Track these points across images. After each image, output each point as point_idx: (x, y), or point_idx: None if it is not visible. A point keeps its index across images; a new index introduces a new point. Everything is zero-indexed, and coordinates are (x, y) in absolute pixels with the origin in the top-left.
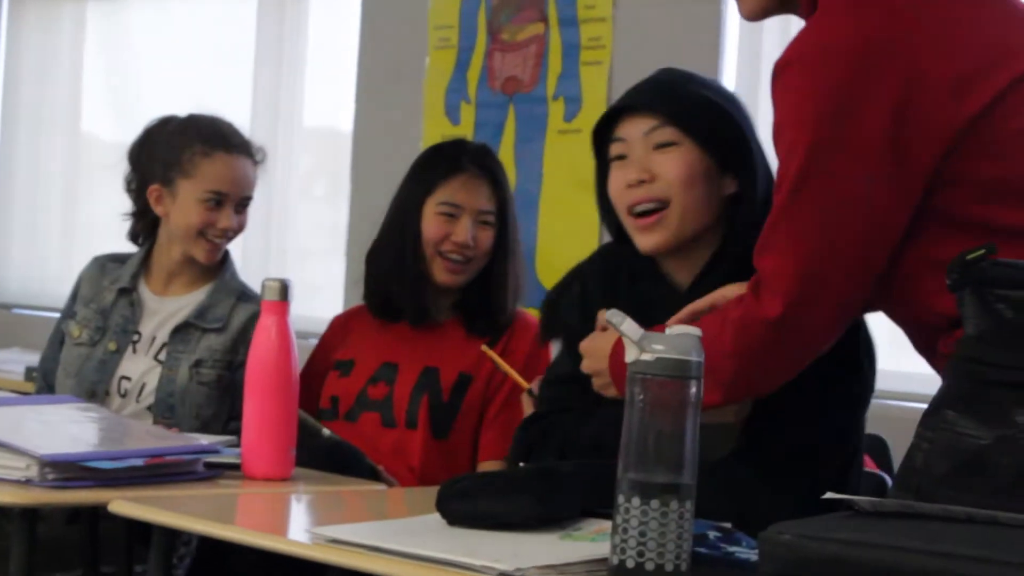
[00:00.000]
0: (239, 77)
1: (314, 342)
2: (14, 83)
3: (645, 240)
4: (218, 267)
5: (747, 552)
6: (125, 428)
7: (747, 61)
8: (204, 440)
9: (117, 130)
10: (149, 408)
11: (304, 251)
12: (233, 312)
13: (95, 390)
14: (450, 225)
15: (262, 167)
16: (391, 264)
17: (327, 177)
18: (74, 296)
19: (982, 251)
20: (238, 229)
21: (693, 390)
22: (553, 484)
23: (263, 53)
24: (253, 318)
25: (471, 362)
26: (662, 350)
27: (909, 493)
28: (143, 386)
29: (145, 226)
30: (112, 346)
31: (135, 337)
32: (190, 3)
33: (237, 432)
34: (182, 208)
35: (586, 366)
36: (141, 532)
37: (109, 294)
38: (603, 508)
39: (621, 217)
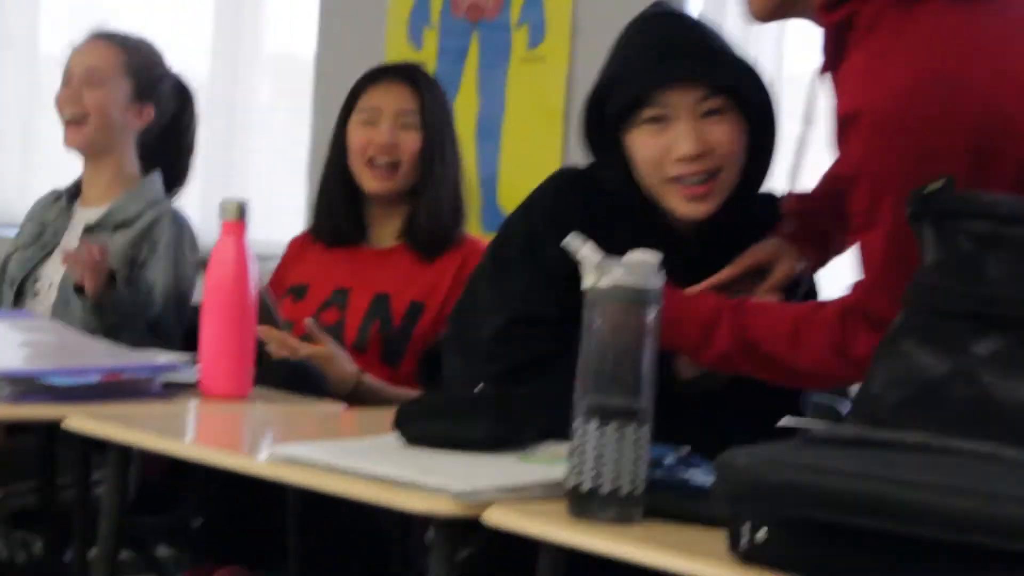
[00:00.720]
0: (200, 4)
1: (273, 264)
2: None
3: (693, 208)
4: (136, 180)
5: (704, 476)
6: (81, 344)
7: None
8: (162, 358)
9: None
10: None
11: (267, 176)
12: (142, 214)
13: (22, 289)
14: (371, 131)
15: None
16: (326, 184)
17: (289, 103)
18: (25, 222)
19: (941, 183)
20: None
21: (651, 316)
22: (512, 406)
23: None
24: (159, 219)
25: (422, 290)
26: (620, 276)
27: (864, 420)
28: (50, 284)
29: None
30: (43, 248)
31: (57, 245)
32: None
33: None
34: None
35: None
36: (96, 447)
37: (50, 211)
38: (561, 431)
39: (651, 180)
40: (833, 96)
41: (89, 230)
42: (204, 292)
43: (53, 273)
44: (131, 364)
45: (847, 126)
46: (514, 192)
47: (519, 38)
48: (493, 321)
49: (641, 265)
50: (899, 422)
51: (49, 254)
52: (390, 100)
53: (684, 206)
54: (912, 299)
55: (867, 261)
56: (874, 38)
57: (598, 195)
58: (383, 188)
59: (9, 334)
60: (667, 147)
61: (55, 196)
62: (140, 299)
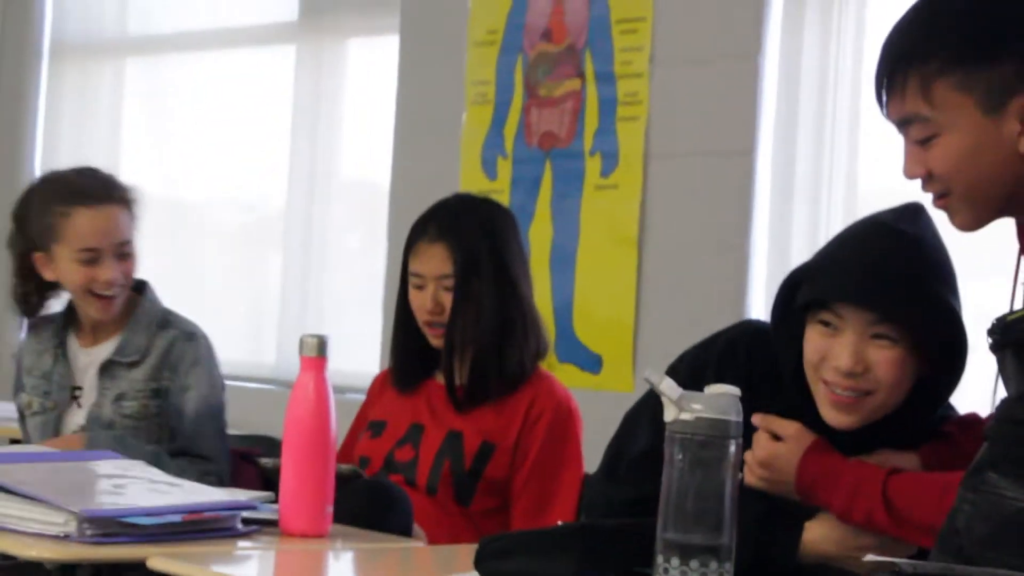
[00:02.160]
0: (277, 129)
1: (351, 396)
2: (53, 140)
3: (836, 416)
4: (134, 302)
5: None
6: (163, 482)
7: (785, 117)
8: (242, 496)
9: (157, 184)
10: None
11: (342, 304)
12: (153, 342)
13: None
14: (423, 296)
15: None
16: (395, 336)
17: (364, 230)
18: (19, 369)
19: (1022, 312)
20: (126, 276)
21: (731, 449)
22: (593, 543)
23: (301, 104)
24: (173, 342)
25: (493, 429)
26: (701, 409)
27: (950, 556)
28: (80, 429)
29: (37, 287)
30: (54, 406)
31: (77, 392)
32: (228, 56)
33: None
34: (64, 271)
35: (760, 477)
36: None
37: (48, 357)
38: (643, 568)
39: (809, 375)
40: None
41: (104, 369)
42: (284, 428)
43: (76, 421)
44: (212, 503)
45: None
46: (589, 321)
47: (592, 166)
48: (640, 442)
49: (722, 398)
50: (986, 555)
51: (67, 407)
52: (429, 267)
53: (829, 411)
54: (995, 432)
55: None
56: None
57: (769, 359)
58: (440, 345)
59: (90, 474)
60: (828, 353)
61: (35, 337)
62: (182, 383)
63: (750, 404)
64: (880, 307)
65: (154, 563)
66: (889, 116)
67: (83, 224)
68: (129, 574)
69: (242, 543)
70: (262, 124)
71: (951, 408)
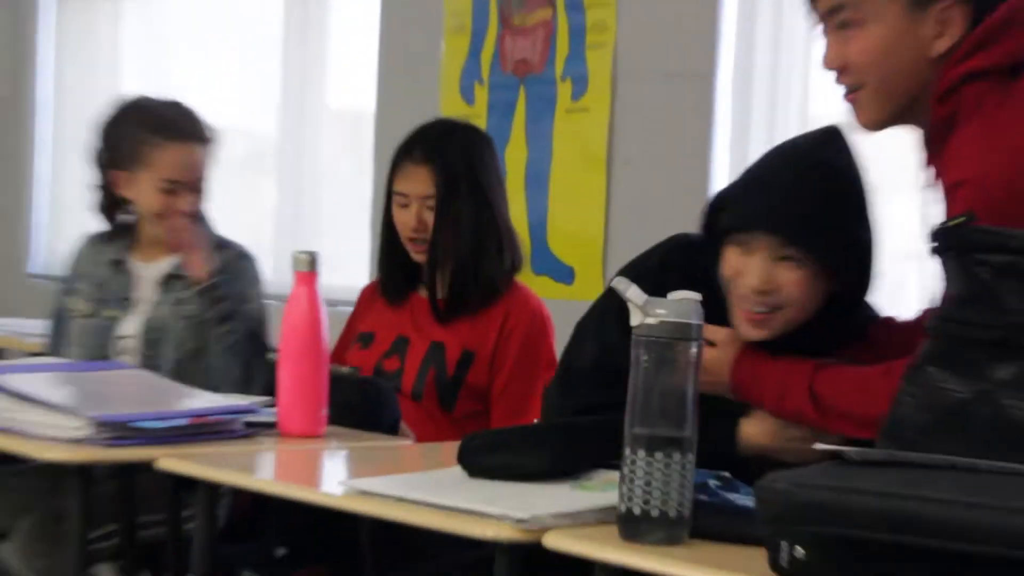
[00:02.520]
0: (269, 64)
1: (342, 309)
2: (60, 75)
3: (748, 331)
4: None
5: (744, 499)
6: (170, 389)
7: (744, 43)
8: (243, 401)
9: None
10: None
11: (333, 225)
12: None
13: (99, 356)
14: (406, 214)
15: (285, 145)
16: (382, 252)
17: (352, 155)
18: (72, 274)
19: (963, 218)
20: (195, 207)
21: (693, 350)
22: (567, 439)
23: (290, 40)
24: (231, 260)
25: (472, 339)
26: (664, 314)
27: (893, 443)
28: (133, 339)
29: (113, 201)
30: (111, 314)
31: (127, 302)
32: None
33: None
34: (143, 194)
35: (704, 381)
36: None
37: (103, 268)
38: (612, 461)
39: (727, 290)
40: (939, 175)
41: (168, 280)
42: (280, 339)
43: (132, 328)
44: (216, 407)
45: (957, 190)
46: (562, 236)
47: (563, 91)
48: (587, 356)
49: (683, 303)
50: (925, 444)
51: (123, 313)
52: (414, 187)
53: (742, 325)
54: (936, 328)
55: None
56: (980, 114)
57: (701, 268)
58: (425, 260)
59: (101, 382)
60: (742, 272)
61: (92, 245)
62: (244, 290)
63: None
64: (785, 233)
65: (163, 463)
66: (816, 6)
67: (170, 157)
68: (141, 475)
69: (244, 444)
70: (254, 57)
71: (872, 310)
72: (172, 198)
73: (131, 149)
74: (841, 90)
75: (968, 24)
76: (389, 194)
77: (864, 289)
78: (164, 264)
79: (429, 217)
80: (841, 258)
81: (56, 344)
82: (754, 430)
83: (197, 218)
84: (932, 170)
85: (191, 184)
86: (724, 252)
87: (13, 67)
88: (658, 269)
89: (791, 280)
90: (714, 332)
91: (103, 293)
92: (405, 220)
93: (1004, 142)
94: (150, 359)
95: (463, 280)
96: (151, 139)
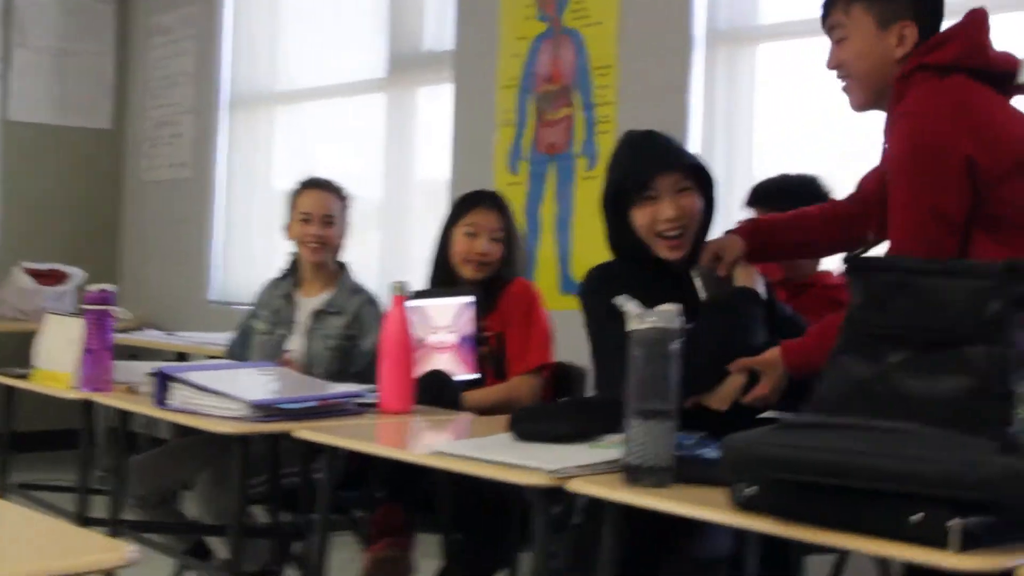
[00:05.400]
0: (375, 148)
1: None
2: (232, 162)
3: (673, 253)
4: (338, 275)
5: (712, 453)
6: (301, 381)
7: (708, 129)
8: (354, 388)
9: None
10: None
11: (419, 262)
12: (348, 302)
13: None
14: (473, 242)
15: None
16: (434, 271)
17: (433, 212)
18: (257, 304)
19: (862, 249)
20: (327, 238)
21: (673, 347)
22: (587, 413)
23: (391, 132)
24: (363, 304)
25: (488, 325)
26: (654, 321)
27: (817, 411)
28: (296, 351)
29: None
30: (281, 332)
31: (293, 325)
32: (344, 102)
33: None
34: (291, 228)
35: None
36: (313, 448)
37: (278, 300)
38: (620, 427)
39: (647, 237)
40: (887, 129)
41: (317, 314)
42: (380, 341)
43: (295, 345)
44: (336, 393)
45: (896, 124)
46: (582, 266)
47: (581, 164)
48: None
49: (667, 313)
50: (840, 411)
51: (289, 333)
52: (488, 223)
53: (666, 252)
54: (846, 327)
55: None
56: (920, 88)
57: (618, 268)
58: (476, 277)
59: (256, 377)
60: (656, 214)
61: (273, 284)
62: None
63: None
64: (679, 166)
65: (299, 433)
66: (824, 27)
67: (303, 198)
68: (283, 440)
69: (355, 419)
70: (366, 144)
71: (785, 309)
72: (306, 226)
73: (289, 201)
74: (840, 83)
75: (918, 38)
76: (446, 234)
77: (715, 207)
78: (315, 300)
79: (491, 245)
80: (706, 179)
81: (237, 352)
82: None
83: (338, 266)
84: (886, 134)
85: (319, 219)
86: (634, 216)
87: (198, 157)
88: (598, 286)
89: (690, 203)
90: (757, 362)
91: (277, 318)
92: (471, 247)
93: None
94: (307, 369)
95: (497, 286)
96: (295, 189)
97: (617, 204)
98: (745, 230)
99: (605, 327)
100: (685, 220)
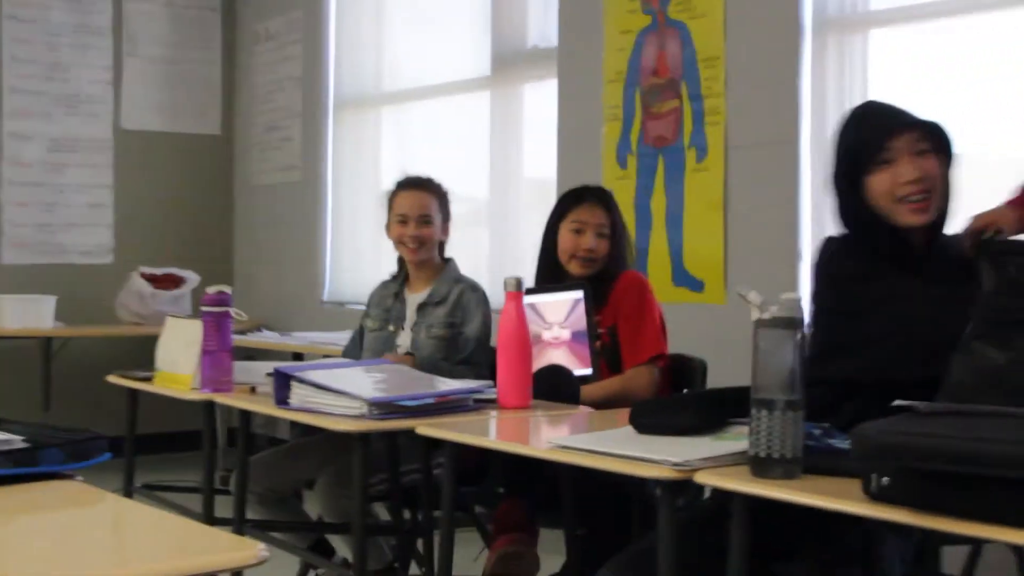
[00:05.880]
0: (481, 147)
1: None
2: (352, 164)
3: (917, 218)
4: (442, 268)
5: (841, 443)
6: (420, 378)
7: (818, 117)
8: (474, 384)
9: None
10: None
11: (529, 258)
12: (450, 291)
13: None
14: (580, 238)
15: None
16: (540, 268)
17: (541, 211)
18: (368, 304)
19: (993, 232)
20: (424, 237)
21: (798, 336)
22: (706, 403)
23: (495, 129)
24: (463, 291)
25: (610, 314)
26: (776, 311)
27: (950, 399)
28: (404, 347)
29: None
30: (392, 328)
31: (403, 321)
32: (446, 101)
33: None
34: (390, 228)
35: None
36: (432, 444)
37: (389, 299)
38: (742, 419)
39: (886, 204)
40: None
41: (420, 307)
42: (498, 338)
43: (404, 340)
44: (454, 389)
45: None
46: (694, 259)
47: (690, 157)
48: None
49: (789, 302)
50: (973, 398)
51: (399, 329)
52: (594, 219)
53: (912, 217)
54: (977, 313)
55: None
56: None
57: (846, 242)
58: (584, 273)
59: (373, 374)
60: (895, 178)
61: (383, 285)
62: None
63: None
64: (917, 125)
65: (420, 430)
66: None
67: (399, 199)
68: (401, 437)
69: (474, 415)
70: (472, 143)
71: None
72: (403, 227)
73: (387, 202)
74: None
75: None
76: (552, 231)
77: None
78: (419, 295)
79: (599, 242)
80: (945, 144)
81: (352, 353)
82: None
83: (443, 259)
84: None
85: (416, 219)
86: (870, 185)
87: (307, 159)
88: (837, 249)
89: (932, 166)
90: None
91: (388, 315)
92: (577, 243)
93: None
94: (420, 365)
95: (607, 279)
96: (392, 191)
97: (850, 176)
98: (1018, 201)
99: (817, 295)
100: (929, 182)
